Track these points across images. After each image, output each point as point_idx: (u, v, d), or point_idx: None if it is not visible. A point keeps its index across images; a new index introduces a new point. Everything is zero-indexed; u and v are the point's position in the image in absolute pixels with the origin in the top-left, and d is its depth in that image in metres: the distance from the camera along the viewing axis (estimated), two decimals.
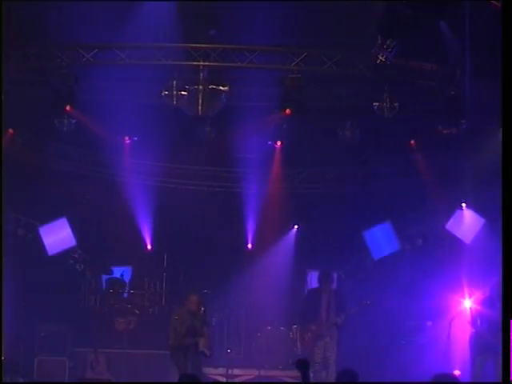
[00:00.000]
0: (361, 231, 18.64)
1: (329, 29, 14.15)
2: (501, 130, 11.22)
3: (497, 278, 14.24)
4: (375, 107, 16.22)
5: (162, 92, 15.90)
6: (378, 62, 13.32)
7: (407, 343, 17.40)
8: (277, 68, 15.22)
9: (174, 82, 15.65)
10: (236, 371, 16.32)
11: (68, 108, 16.07)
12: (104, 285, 18.25)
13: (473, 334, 14.42)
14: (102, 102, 16.66)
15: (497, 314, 14.17)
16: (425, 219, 18.35)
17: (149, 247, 18.90)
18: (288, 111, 15.86)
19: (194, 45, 14.99)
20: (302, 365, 8.41)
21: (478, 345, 14.19)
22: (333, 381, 14.27)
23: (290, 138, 17.85)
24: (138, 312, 17.56)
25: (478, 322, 14.27)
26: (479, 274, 16.00)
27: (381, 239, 18.68)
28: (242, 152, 18.26)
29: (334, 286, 14.73)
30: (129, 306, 17.58)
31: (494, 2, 10.85)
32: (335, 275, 17.31)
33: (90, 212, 18.07)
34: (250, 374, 16.55)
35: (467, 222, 18.12)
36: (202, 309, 14.14)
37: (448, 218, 18.14)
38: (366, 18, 13.19)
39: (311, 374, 14.57)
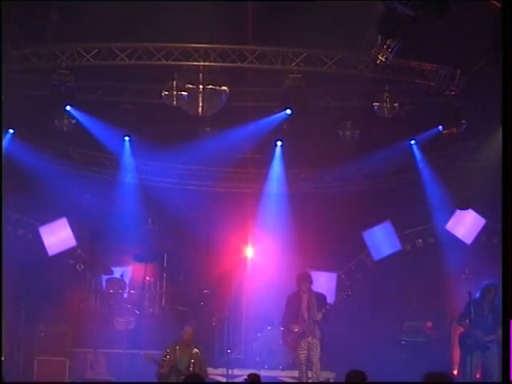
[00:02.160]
0: (361, 231, 18.65)
1: (329, 29, 14.13)
2: (501, 129, 11.23)
3: (488, 282, 14.30)
4: (375, 107, 16.23)
5: (162, 92, 15.92)
6: (378, 62, 13.30)
7: (407, 343, 17.41)
8: (277, 68, 15.21)
9: (174, 82, 15.66)
10: (236, 371, 16.29)
11: (68, 108, 16.11)
12: (104, 285, 18.24)
13: (462, 333, 14.45)
14: (102, 102, 16.67)
15: (484, 314, 14.23)
16: (425, 219, 18.35)
17: (149, 247, 18.89)
18: (288, 111, 15.88)
19: (194, 45, 15.00)
20: None
21: (467, 344, 14.22)
22: (320, 380, 14.35)
23: (290, 138, 17.84)
24: (138, 312, 17.55)
25: (467, 321, 14.29)
26: (477, 273, 16.03)
27: (381, 239, 18.69)
28: (242, 152, 18.26)
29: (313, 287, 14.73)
30: (129, 306, 17.58)
31: (493, 2, 10.84)
32: (336, 275, 17.29)
33: (89, 212, 18.05)
34: None
35: (467, 222, 18.14)
36: (197, 351, 14.04)
37: (448, 218, 18.16)
38: (366, 18, 13.17)
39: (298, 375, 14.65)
